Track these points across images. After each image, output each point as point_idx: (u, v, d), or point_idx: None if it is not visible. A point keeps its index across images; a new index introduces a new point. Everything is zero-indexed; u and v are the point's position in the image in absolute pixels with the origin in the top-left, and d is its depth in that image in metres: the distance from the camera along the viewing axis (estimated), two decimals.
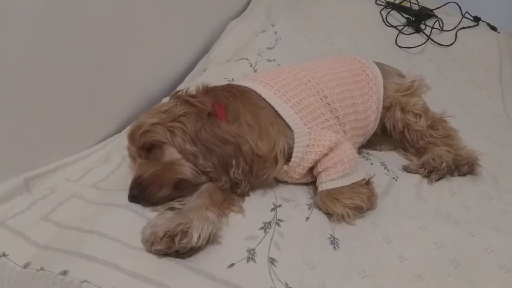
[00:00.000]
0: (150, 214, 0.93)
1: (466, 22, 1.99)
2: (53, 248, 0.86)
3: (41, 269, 0.81)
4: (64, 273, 0.79)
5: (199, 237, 0.83)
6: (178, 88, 1.17)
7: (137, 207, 0.95)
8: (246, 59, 1.59)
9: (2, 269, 0.84)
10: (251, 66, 1.57)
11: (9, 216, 0.93)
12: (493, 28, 2.00)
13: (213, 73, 1.51)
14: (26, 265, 0.84)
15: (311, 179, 1.10)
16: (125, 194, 0.97)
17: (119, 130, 1.34)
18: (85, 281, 0.77)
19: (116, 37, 1.28)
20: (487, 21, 2.03)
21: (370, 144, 1.33)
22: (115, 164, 1.13)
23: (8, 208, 0.97)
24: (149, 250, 0.83)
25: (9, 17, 0.95)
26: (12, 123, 1.03)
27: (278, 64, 1.59)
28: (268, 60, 1.61)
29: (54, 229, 0.91)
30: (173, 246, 0.82)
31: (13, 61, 0.98)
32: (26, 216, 0.94)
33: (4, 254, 0.86)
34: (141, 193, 0.95)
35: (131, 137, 1.02)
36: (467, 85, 1.77)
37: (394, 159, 1.29)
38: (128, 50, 1.34)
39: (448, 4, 2.11)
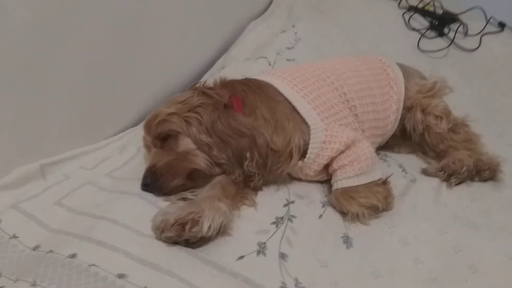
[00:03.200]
0: (162, 203, 0.93)
1: (491, 28, 1.94)
2: (64, 232, 0.86)
3: (50, 251, 0.81)
4: (73, 256, 0.79)
5: (209, 227, 0.82)
6: None
7: (149, 195, 0.95)
8: (265, 57, 1.59)
9: (12, 250, 0.84)
10: (269, 64, 1.57)
11: (23, 199, 0.94)
12: None
13: (232, 71, 1.50)
14: (35, 248, 0.84)
15: (326, 177, 1.08)
16: (138, 183, 0.97)
17: (136, 124, 1.35)
18: (93, 264, 0.77)
19: (139, 33, 1.29)
20: None
21: (388, 145, 1.30)
22: (131, 154, 1.14)
23: (23, 191, 0.98)
24: (159, 238, 0.83)
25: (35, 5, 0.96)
26: (32, 111, 1.04)
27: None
28: (287, 59, 1.60)
29: (66, 214, 0.91)
30: (183, 234, 0.81)
31: (35, 50, 0.99)
32: (40, 200, 0.95)
33: (14, 236, 0.86)
34: (154, 182, 0.95)
35: (147, 127, 1.02)
36: (491, 91, 1.72)
37: (412, 162, 1.26)
38: (150, 46, 1.35)
39: (473, 9, 2.06)
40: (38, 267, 0.77)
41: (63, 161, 1.10)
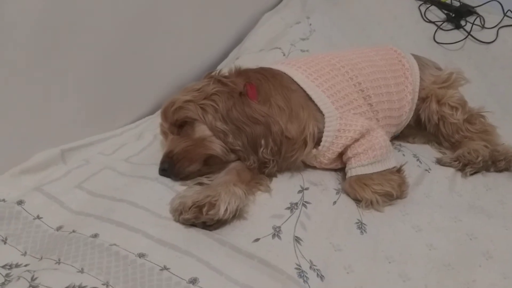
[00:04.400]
0: (179, 187, 0.95)
1: (508, 21, 1.92)
2: (85, 213, 0.89)
3: (73, 231, 0.84)
4: (95, 236, 0.82)
5: (226, 210, 0.84)
6: None
7: (167, 180, 0.97)
8: (279, 48, 1.59)
9: (36, 230, 0.87)
10: (284, 55, 1.57)
11: (45, 182, 0.97)
12: None
13: (246, 61, 1.50)
14: (59, 228, 0.87)
15: (340, 165, 1.09)
16: (156, 168, 1.00)
17: (152, 112, 1.37)
18: (114, 244, 0.79)
19: (155, 22, 1.31)
20: None
21: (403, 136, 1.30)
22: (147, 141, 1.16)
23: (45, 175, 1.01)
24: (177, 220, 0.85)
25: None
26: (52, 99, 1.07)
27: None
28: (301, 50, 1.60)
29: (87, 196, 0.94)
30: (201, 217, 0.83)
31: (53, 38, 1.01)
32: (61, 183, 0.97)
33: (38, 217, 0.89)
34: (171, 167, 0.97)
35: (164, 114, 1.04)
36: (508, 83, 1.70)
37: (427, 151, 1.26)
38: (166, 37, 1.37)
39: (490, 2, 2.04)
40: (62, 246, 0.80)
41: (82, 147, 1.13)
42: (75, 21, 1.05)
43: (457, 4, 1.99)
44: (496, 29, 1.87)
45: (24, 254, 0.83)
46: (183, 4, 1.41)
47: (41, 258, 0.80)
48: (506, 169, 1.20)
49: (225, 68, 1.15)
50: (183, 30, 1.44)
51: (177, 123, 1.02)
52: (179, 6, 1.40)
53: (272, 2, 1.93)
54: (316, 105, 1.06)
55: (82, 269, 0.76)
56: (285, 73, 1.10)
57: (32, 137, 1.05)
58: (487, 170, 1.19)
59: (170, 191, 0.93)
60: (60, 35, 1.03)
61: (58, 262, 0.77)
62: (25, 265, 0.80)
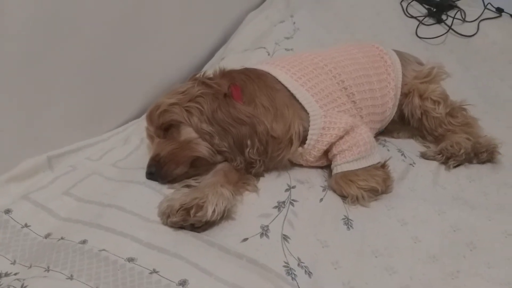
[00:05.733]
0: (167, 191, 0.96)
1: (489, 13, 1.95)
2: (74, 220, 0.89)
3: (62, 238, 0.84)
4: (84, 242, 0.82)
5: (213, 211, 0.85)
6: None
7: (154, 184, 0.98)
8: (264, 48, 1.60)
9: (24, 239, 0.88)
10: (268, 54, 1.58)
11: (32, 190, 0.97)
12: None
13: (231, 62, 1.52)
14: (47, 236, 0.87)
15: (326, 162, 1.10)
16: (143, 172, 1.00)
17: (138, 116, 1.37)
18: (103, 249, 0.80)
19: (139, 26, 1.31)
20: (510, 13, 1.98)
21: (387, 131, 1.32)
22: (134, 145, 1.17)
23: (32, 183, 1.01)
24: (165, 223, 0.86)
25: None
26: (37, 105, 1.07)
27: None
28: (286, 49, 1.61)
29: (75, 202, 0.94)
30: (189, 219, 0.84)
31: (37, 44, 1.01)
32: (49, 190, 0.98)
33: (26, 225, 0.90)
34: (158, 170, 0.98)
35: (150, 117, 1.05)
36: (489, 76, 1.73)
37: (411, 146, 1.28)
38: (150, 39, 1.37)
39: None
40: (50, 253, 0.81)
41: (69, 153, 1.13)
42: (59, 29, 1.05)
43: None
44: (477, 22, 1.90)
45: (14, 262, 0.83)
46: (168, 6, 1.42)
47: (30, 266, 0.81)
48: (488, 161, 1.22)
49: (209, 69, 1.16)
50: (168, 32, 1.44)
51: (163, 126, 1.02)
52: (163, 8, 1.40)
53: (256, 1, 1.94)
54: (300, 104, 1.07)
55: (71, 275, 0.76)
56: (269, 73, 1.11)
57: (18, 144, 1.05)
58: (470, 162, 1.21)
59: (158, 195, 0.94)
60: (45, 42, 1.03)
61: (47, 270, 0.78)
62: (15, 274, 0.81)
